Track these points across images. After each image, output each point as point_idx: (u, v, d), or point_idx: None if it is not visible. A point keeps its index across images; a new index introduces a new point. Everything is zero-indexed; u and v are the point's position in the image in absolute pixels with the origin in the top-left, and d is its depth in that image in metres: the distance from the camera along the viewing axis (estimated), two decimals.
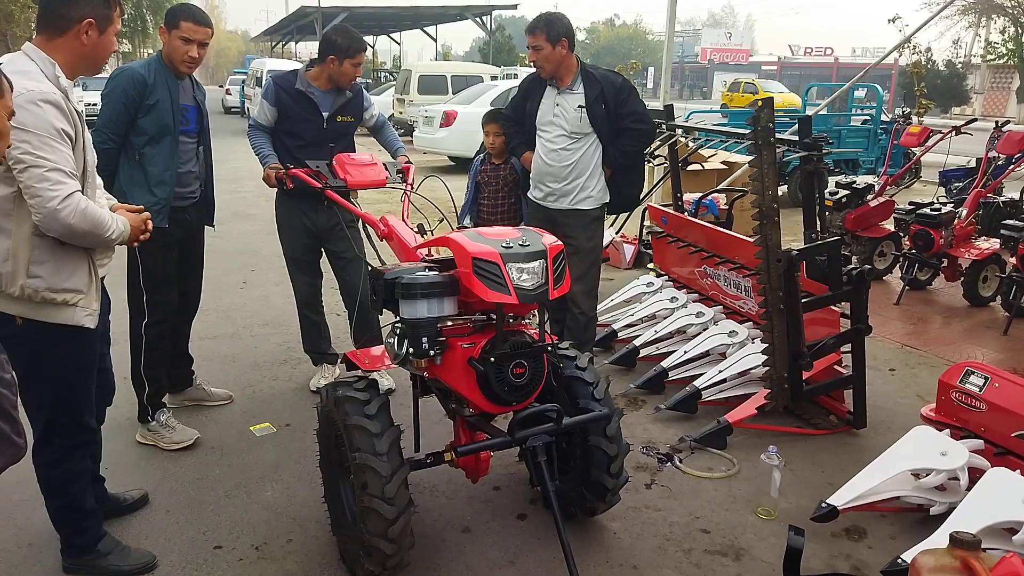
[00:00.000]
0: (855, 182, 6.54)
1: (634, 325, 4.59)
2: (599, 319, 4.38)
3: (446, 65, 22.45)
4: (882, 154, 10.31)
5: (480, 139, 14.81)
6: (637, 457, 3.36)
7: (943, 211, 5.75)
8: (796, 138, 3.51)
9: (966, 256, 5.68)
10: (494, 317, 2.39)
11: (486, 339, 2.37)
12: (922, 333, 5.19)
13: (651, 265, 5.64)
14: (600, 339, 4.39)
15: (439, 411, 3.20)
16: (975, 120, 6.88)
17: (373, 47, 35.43)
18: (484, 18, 28.91)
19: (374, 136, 4.11)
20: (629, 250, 6.55)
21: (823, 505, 2.73)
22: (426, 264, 2.56)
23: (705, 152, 7.10)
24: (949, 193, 7.91)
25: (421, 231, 3.07)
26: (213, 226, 3.66)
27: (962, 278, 5.75)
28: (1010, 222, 5.67)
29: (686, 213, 5.09)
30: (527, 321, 2.59)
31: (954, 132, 6.77)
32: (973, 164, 8.04)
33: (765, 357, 3.39)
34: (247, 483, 3.12)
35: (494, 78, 18.34)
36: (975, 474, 2.71)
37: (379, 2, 30.72)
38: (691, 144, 5.41)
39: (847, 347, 3.55)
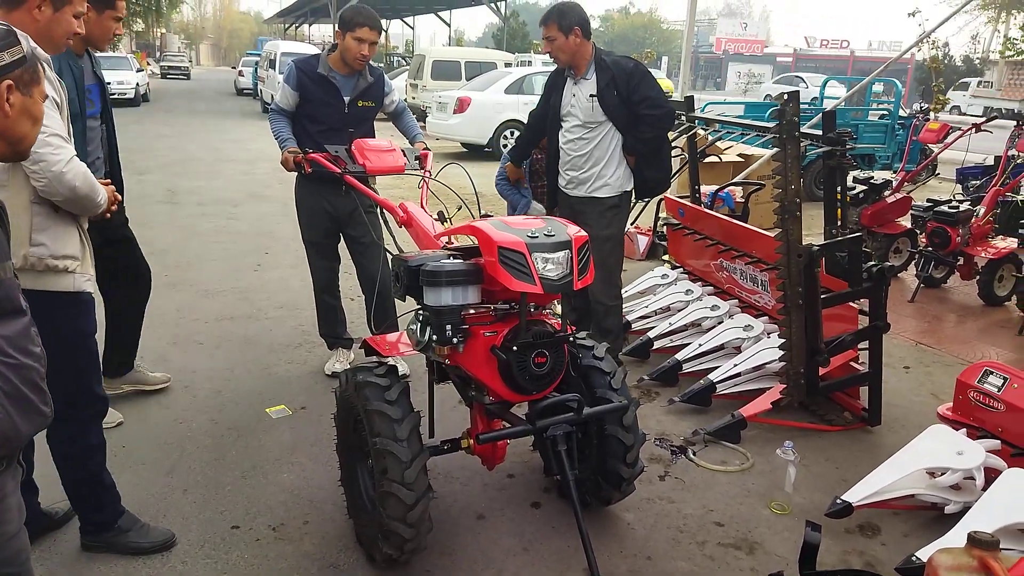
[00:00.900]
0: (872, 177, 6.49)
1: (648, 317, 4.59)
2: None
3: (460, 51, 22.35)
4: (899, 150, 10.23)
5: (493, 126, 14.84)
6: (651, 448, 3.37)
7: (961, 209, 5.71)
8: (820, 132, 3.48)
9: (982, 255, 5.64)
10: (516, 306, 2.42)
11: (508, 328, 2.40)
12: (936, 331, 5.17)
13: (666, 257, 5.62)
14: (636, 347, 4.27)
15: (453, 397, 3.23)
16: (995, 117, 6.80)
17: (386, 31, 35.27)
18: (499, 4, 28.74)
19: (392, 122, 4.11)
20: (643, 241, 6.53)
21: (838, 501, 2.73)
22: (448, 252, 2.56)
23: (721, 144, 7.06)
24: (966, 191, 7.84)
25: (441, 218, 3.09)
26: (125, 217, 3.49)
27: (977, 277, 5.72)
28: None
29: (702, 206, 5.07)
30: (548, 311, 2.60)
31: (974, 129, 6.71)
32: (991, 162, 7.96)
33: (781, 352, 3.38)
34: (263, 464, 3.14)
35: (508, 65, 18.25)
36: (991, 474, 2.71)
37: None
38: (709, 136, 5.38)
39: (863, 344, 3.54)
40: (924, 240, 5.91)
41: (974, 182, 7.90)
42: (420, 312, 2.45)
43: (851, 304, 3.53)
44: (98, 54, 3.17)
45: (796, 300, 3.20)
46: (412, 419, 2.36)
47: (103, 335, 3.38)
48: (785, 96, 3.12)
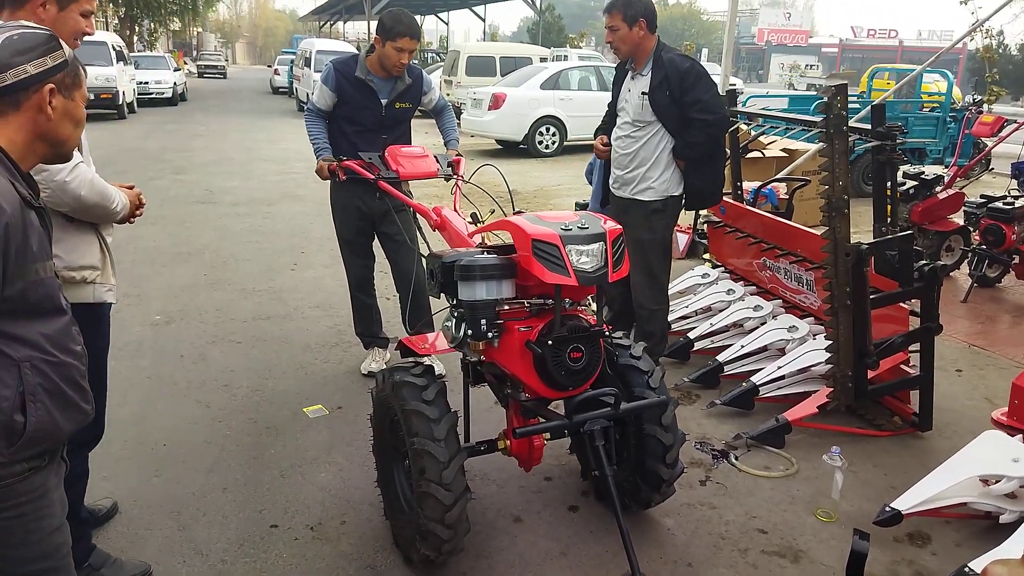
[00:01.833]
0: (923, 172, 6.35)
1: (688, 317, 4.56)
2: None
3: (495, 46, 22.37)
4: (951, 143, 9.97)
5: (529, 123, 14.83)
6: (691, 452, 3.34)
7: (1016, 205, 5.55)
8: (868, 126, 3.42)
9: None
10: (552, 301, 2.45)
11: (543, 323, 2.43)
12: (990, 333, 5.04)
13: (706, 255, 5.57)
14: (676, 348, 4.23)
15: (488, 399, 3.25)
16: None
17: (420, 26, 35.53)
18: None
19: (434, 118, 4.16)
20: (682, 239, 6.48)
21: (887, 509, 2.68)
22: (483, 249, 2.62)
23: (765, 139, 6.97)
24: (1022, 186, 7.62)
25: (474, 220, 3.14)
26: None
27: None
28: None
29: (745, 203, 5.01)
30: (584, 307, 2.60)
31: None
32: None
33: (827, 354, 3.33)
34: (301, 464, 3.20)
35: (543, 60, 18.24)
36: None
37: None
38: (752, 131, 5.31)
39: (914, 346, 3.47)
40: (977, 238, 5.76)
41: None
42: (455, 308, 2.50)
43: (901, 305, 3.47)
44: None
45: (844, 300, 3.15)
46: (450, 419, 2.40)
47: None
48: (832, 88, 3.07)
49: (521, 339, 2.42)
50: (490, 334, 2.41)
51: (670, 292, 4.32)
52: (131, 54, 21.74)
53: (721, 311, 4.36)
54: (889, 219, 3.77)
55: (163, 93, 20.80)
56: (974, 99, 10.07)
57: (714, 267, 4.95)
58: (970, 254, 5.76)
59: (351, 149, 3.58)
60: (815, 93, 13.08)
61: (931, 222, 6.07)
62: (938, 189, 6.20)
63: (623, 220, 3.86)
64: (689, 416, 3.68)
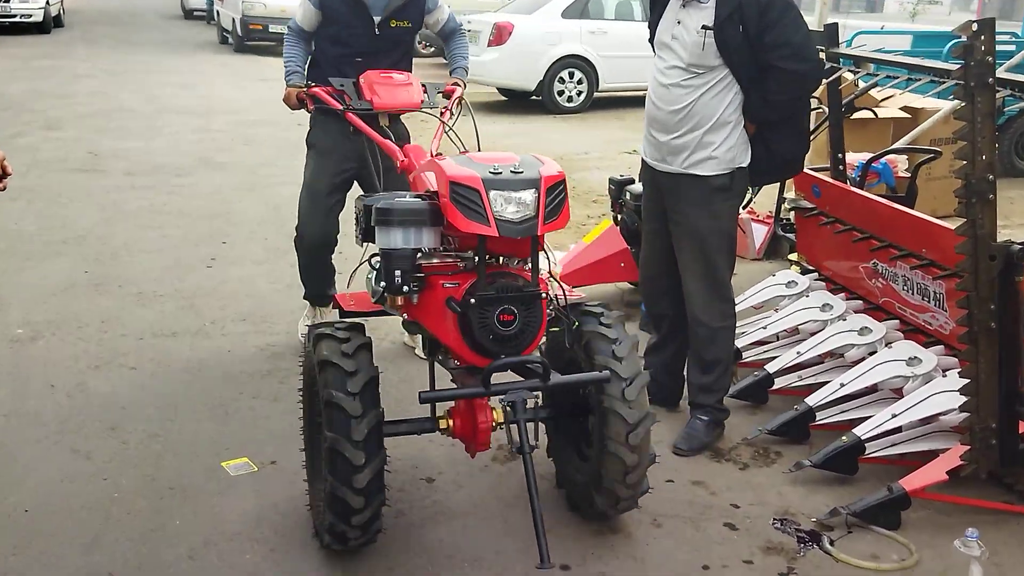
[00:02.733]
0: None
1: (766, 342, 4.56)
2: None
3: None
4: None
5: (544, 65, 14.94)
6: (768, 534, 3.35)
7: None
8: None
9: None
10: (491, 257, 2.96)
11: (471, 279, 2.91)
12: None
13: (793, 256, 5.58)
14: (747, 386, 4.26)
15: None
16: None
17: None
18: None
19: (443, 43, 4.70)
20: (760, 233, 6.49)
21: None
22: (418, 194, 3.12)
23: (877, 94, 6.98)
24: None
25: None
26: None
27: None
28: None
29: (848, 182, 5.02)
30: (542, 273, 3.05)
31: None
32: None
33: (961, 398, 3.33)
34: (218, 541, 3.21)
35: None
36: None
37: None
38: (860, 82, 5.32)
39: None
40: None
41: None
42: (376, 258, 3.01)
43: None
44: None
45: (986, 322, 3.15)
46: (368, 373, 2.90)
47: None
48: (973, 25, 3.08)
49: (444, 296, 2.91)
50: (406, 288, 2.88)
51: (739, 306, 4.34)
52: None
53: (813, 335, 4.36)
54: None
55: (29, 16, 20.87)
56: None
57: (803, 272, 4.95)
58: None
59: (337, 77, 4.04)
60: (950, 31, 13.12)
61: None
62: None
63: (669, 204, 3.89)
64: (767, 483, 3.69)
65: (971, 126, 3.08)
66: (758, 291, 4.84)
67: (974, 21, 3.08)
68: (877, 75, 4.67)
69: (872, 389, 3.96)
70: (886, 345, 4.13)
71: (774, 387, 4.26)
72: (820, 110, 5.83)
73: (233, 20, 19.58)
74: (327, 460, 2.84)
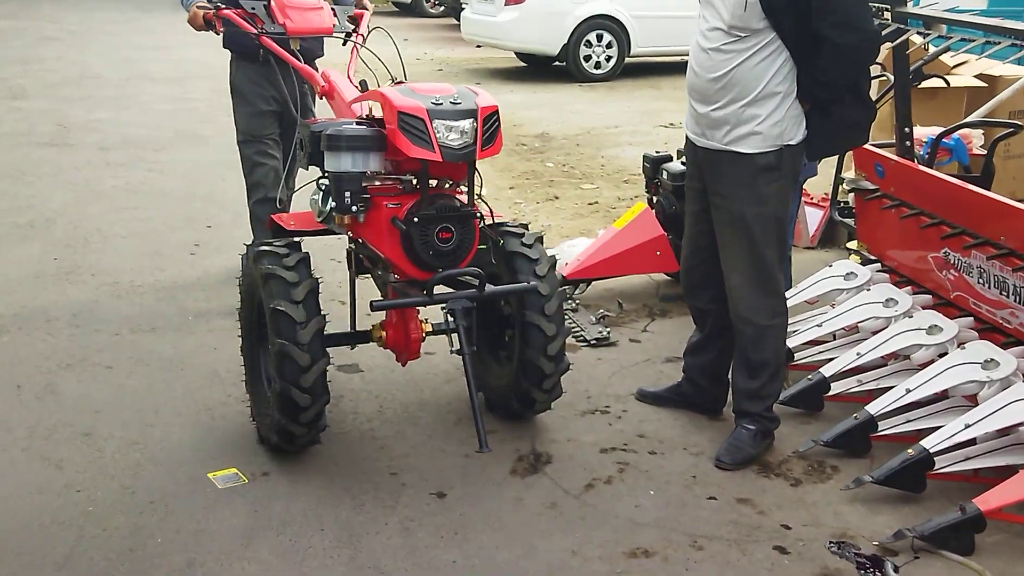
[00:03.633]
0: None
1: (821, 342, 4.57)
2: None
3: None
4: None
5: (568, 27, 14.95)
6: (824, 558, 3.36)
7: None
8: None
9: None
10: (425, 179, 3.64)
11: (412, 200, 3.62)
12: None
13: (852, 244, 5.57)
14: (800, 391, 4.27)
15: None
16: None
17: None
18: None
19: None
20: (814, 217, 6.49)
21: None
22: (358, 120, 3.80)
23: (949, 60, 6.94)
24: None
25: (363, 88, 4.18)
26: None
27: None
28: None
29: (916, 159, 5.00)
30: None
31: None
32: None
33: None
34: (204, 561, 3.24)
35: None
36: None
37: None
38: (929, 47, 5.30)
39: None
40: None
41: None
42: (322, 181, 3.73)
43: None
44: None
45: None
46: (309, 284, 3.60)
47: None
48: None
49: (388, 215, 3.61)
50: (354, 208, 3.60)
51: (790, 301, 4.34)
52: None
53: (875, 333, 4.36)
54: None
55: None
56: None
57: (864, 262, 4.94)
58: None
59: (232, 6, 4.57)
60: None
61: None
62: None
63: (709, 186, 3.90)
64: (821, 500, 3.70)
65: None
66: (812, 284, 4.84)
67: None
68: (950, 38, 4.66)
69: (942, 396, 3.95)
70: (958, 346, 4.12)
71: (830, 393, 4.26)
72: (884, 77, 5.81)
73: None
74: (276, 365, 3.52)
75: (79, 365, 4.57)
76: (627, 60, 13.34)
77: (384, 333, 3.89)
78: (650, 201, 5.71)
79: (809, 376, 4.29)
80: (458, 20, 15.56)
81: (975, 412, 3.72)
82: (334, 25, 4.60)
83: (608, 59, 13.25)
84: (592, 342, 4.99)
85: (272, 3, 4.46)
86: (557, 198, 7.63)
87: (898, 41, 4.70)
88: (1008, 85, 7.01)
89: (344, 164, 3.58)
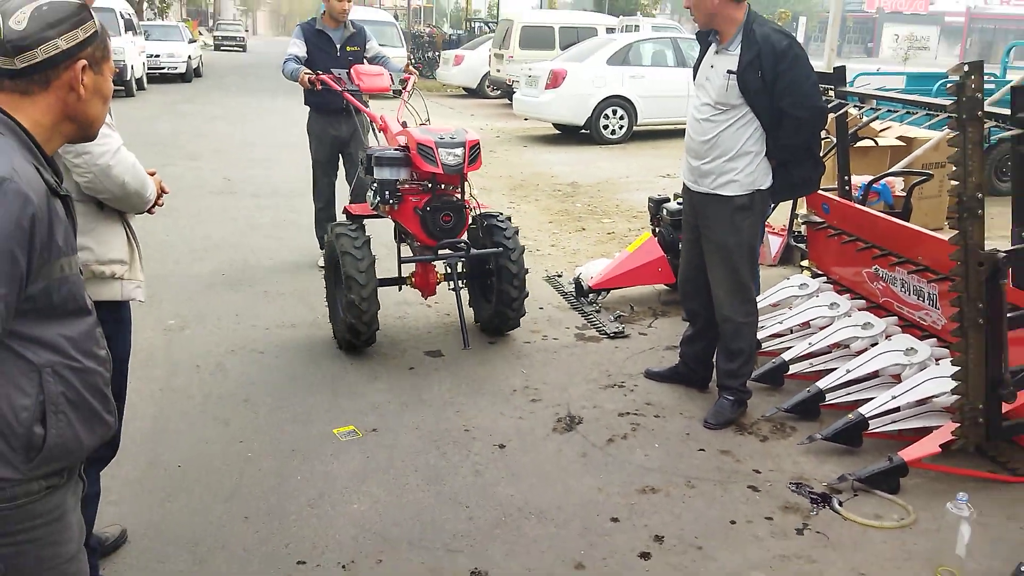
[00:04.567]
0: None
1: (782, 335, 4.51)
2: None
3: (553, 14, 22.51)
4: None
5: (593, 104, 14.92)
6: (786, 495, 3.31)
7: None
8: (1007, 111, 3.34)
9: None
10: (435, 184, 4.45)
11: (427, 197, 4.42)
12: None
13: (805, 263, 5.51)
14: (766, 371, 4.18)
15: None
16: None
17: None
18: None
19: (379, 64, 5.93)
20: (775, 243, 6.41)
21: (1022, 569, 2.62)
22: (397, 147, 4.51)
23: (877, 125, 6.85)
24: None
25: (404, 126, 4.76)
26: None
27: None
28: None
29: (853, 200, 4.94)
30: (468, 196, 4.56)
31: None
32: None
33: (952, 383, 3.27)
34: (331, 493, 3.27)
35: (611, 30, 18.27)
36: None
37: None
38: (863, 117, 5.23)
39: None
40: None
41: None
42: (374, 184, 4.43)
43: None
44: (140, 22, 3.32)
45: (975, 319, 3.09)
46: (369, 258, 4.33)
47: None
48: (964, 66, 3.01)
49: (412, 206, 4.40)
50: (391, 201, 4.36)
51: (760, 305, 4.29)
52: (141, 23, 22.45)
53: (822, 329, 4.30)
54: None
55: (176, 68, 21.40)
56: None
57: (814, 276, 4.88)
58: None
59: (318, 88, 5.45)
60: (939, 71, 12.81)
61: None
62: None
63: (700, 220, 3.87)
64: (783, 452, 3.65)
65: (962, 152, 3.02)
66: (775, 292, 4.79)
67: (965, 63, 3.02)
68: (878, 110, 4.60)
69: (874, 375, 3.89)
70: (886, 337, 4.07)
71: (789, 372, 4.21)
72: (829, 139, 5.74)
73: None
74: (347, 308, 4.29)
75: (240, 350, 4.62)
76: (635, 128, 13.29)
77: (414, 279, 4.63)
78: (654, 231, 5.67)
79: (773, 360, 4.24)
80: (511, 100, 15.61)
81: (899, 387, 3.68)
82: (390, 85, 5.44)
83: (621, 127, 13.19)
84: (611, 335, 4.97)
85: (351, 71, 5.33)
86: (584, 229, 7.60)
87: (839, 113, 4.65)
88: (921, 144, 6.92)
89: (385, 174, 4.33)
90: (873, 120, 5.36)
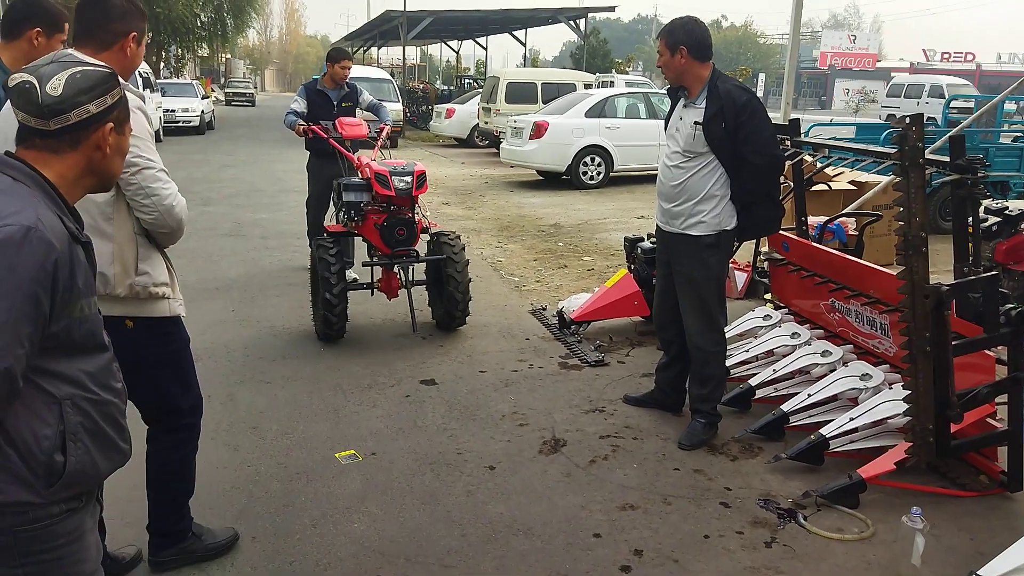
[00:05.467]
0: (1007, 208, 6.24)
1: (748, 363, 4.52)
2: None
3: (536, 72, 22.74)
4: None
5: (572, 152, 15.08)
6: (754, 511, 3.31)
7: None
8: (946, 159, 3.41)
9: None
10: (391, 205, 5.18)
11: (385, 216, 5.11)
12: None
13: (768, 296, 5.54)
14: (735, 396, 4.19)
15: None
16: None
17: (457, 52, 36.26)
18: (578, 21, 29.19)
19: (373, 112, 6.78)
20: (741, 278, 6.44)
21: None
22: (362, 178, 5.35)
23: (830, 171, 6.95)
24: None
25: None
26: None
27: None
28: None
29: (810, 239, 4.99)
30: (421, 215, 5.35)
31: None
32: None
33: (905, 405, 3.28)
34: (333, 513, 3.24)
35: (588, 86, 18.47)
36: None
37: (466, 4, 31.54)
38: (817, 163, 5.31)
39: (1002, 397, 3.40)
40: None
41: None
42: (340, 206, 5.35)
43: (987, 352, 3.41)
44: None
45: (923, 347, 3.12)
46: (340, 265, 4.99)
47: None
48: (907, 118, 3.08)
49: (373, 223, 5.12)
50: (356, 219, 5.20)
51: (728, 335, 4.31)
52: (158, 81, 22.55)
53: (785, 356, 4.32)
54: (971, 258, 3.73)
55: (190, 122, 21.44)
56: None
57: (776, 308, 4.91)
58: None
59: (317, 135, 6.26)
60: (885, 122, 13.01)
61: (1017, 262, 5.95)
62: None
63: (672, 257, 3.90)
64: (751, 471, 3.65)
65: (907, 196, 3.07)
66: (741, 323, 4.81)
67: (907, 116, 3.08)
68: (831, 157, 4.67)
69: (834, 398, 3.90)
70: (844, 364, 4.09)
71: (756, 397, 4.22)
72: (787, 184, 5.81)
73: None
74: (323, 304, 4.97)
75: (249, 381, 4.59)
76: (611, 174, 13.39)
77: (380, 284, 5.32)
78: (629, 268, 5.70)
79: (741, 386, 4.25)
80: (498, 150, 15.72)
81: (857, 409, 3.68)
82: (367, 132, 6.17)
83: (599, 173, 13.28)
84: (592, 363, 4.97)
85: (336, 122, 6.12)
86: (566, 266, 7.62)
87: (795, 160, 4.72)
88: (871, 188, 7.02)
89: (351, 197, 5.21)
90: (827, 167, 5.45)
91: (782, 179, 5.42)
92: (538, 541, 3.08)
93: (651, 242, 5.28)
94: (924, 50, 57.69)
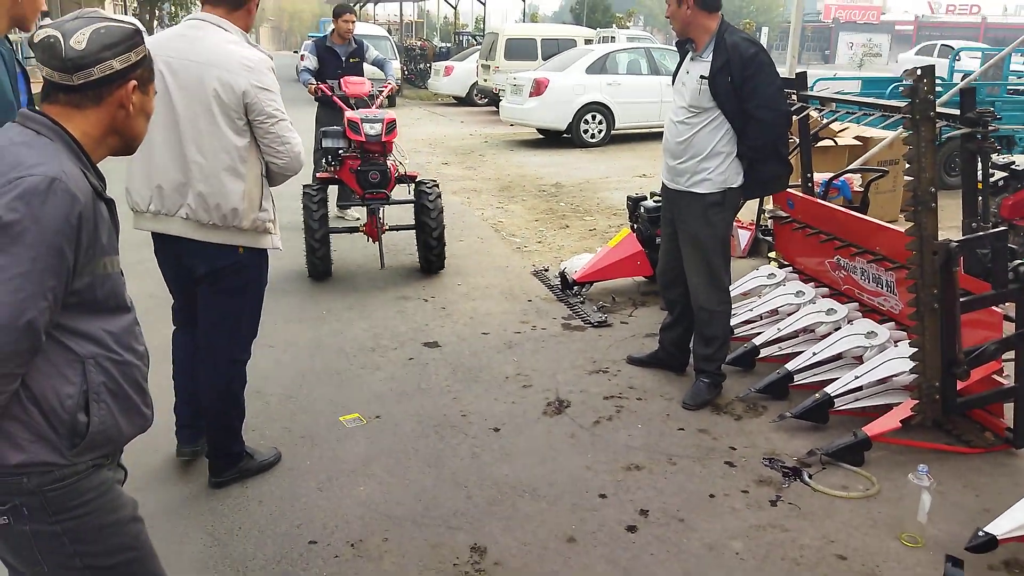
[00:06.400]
0: (1013, 163, 6.17)
1: (753, 322, 4.50)
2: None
3: (536, 27, 22.39)
4: None
5: (573, 110, 14.90)
6: (759, 470, 3.31)
7: None
8: (956, 112, 3.34)
9: None
10: (367, 152, 5.55)
11: (360, 161, 5.50)
12: None
13: (772, 254, 5.50)
14: (739, 355, 4.17)
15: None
16: None
17: (455, 8, 35.70)
18: None
19: (379, 68, 7.40)
20: (744, 236, 6.39)
21: (980, 534, 2.62)
22: (340, 125, 5.70)
23: (836, 126, 6.85)
24: None
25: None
26: None
27: None
28: None
29: (815, 196, 4.93)
30: (396, 161, 5.72)
31: None
32: None
33: (911, 363, 3.26)
34: (339, 476, 3.24)
35: (588, 41, 18.18)
36: None
37: None
38: (823, 118, 5.22)
39: (1008, 354, 3.38)
40: None
41: None
42: (322, 152, 5.77)
43: (994, 308, 3.38)
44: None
45: (930, 304, 3.08)
46: (322, 207, 5.50)
47: None
48: (917, 70, 3.00)
49: (350, 167, 5.52)
50: (334, 164, 5.66)
51: (732, 294, 4.28)
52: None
53: (789, 315, 4.29)
54: (980, 214, 3.68)
55: None
56: None
57: (781, 267, 4.88)
58: None
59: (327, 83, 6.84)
60: (891, 75, 12.82)
61: (1023, 217, 5.90)
62: None
63: (676, 216, 3.85)
64: (756, 430, 3.64)
65: (916, 150, 3.01)
66: (746, 282, 4.78)
67: (918, 68, 3.01)
68: (837, 112, 4.59)
69: (838, 356, 3.89)
70: (848, 322, 4.07)
71: (760, 356, 4.21)
72: (793, 140, 5.73)
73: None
74: (307, 246, 5.55)
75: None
76: (612, 132, 13.25)
77: (364, 227, 5.67)
78: (632, 227, 5.66)
79: (745, 345, 4.24)
80: (497, 108, 15.54)
81: (862, 367, 3.68)
82: (368, 91, 6.39)
83: (600, 131, 13.14)
84: (595, 324, 4.95)
85: (340, 81, 6.53)
86: (568, 227, 7.57)
87: (801, 115, 4.64)
88: (877, 143, 6.92)
89: (329, 144, 5.64)
90: (832, 122, 5.36)
91: (791, 135, 5.35)
92: (544, 502, 3.09)
93: (654, 201, 5.23)
94: (929, 2, 56.77)
